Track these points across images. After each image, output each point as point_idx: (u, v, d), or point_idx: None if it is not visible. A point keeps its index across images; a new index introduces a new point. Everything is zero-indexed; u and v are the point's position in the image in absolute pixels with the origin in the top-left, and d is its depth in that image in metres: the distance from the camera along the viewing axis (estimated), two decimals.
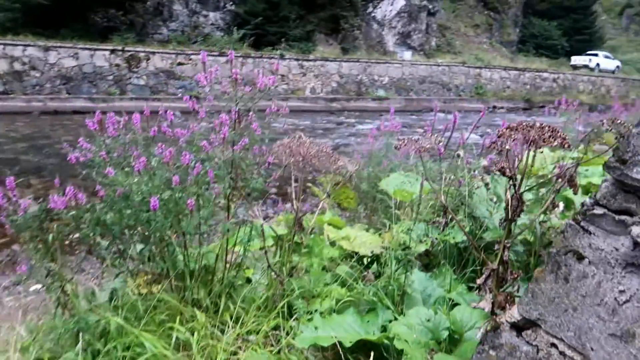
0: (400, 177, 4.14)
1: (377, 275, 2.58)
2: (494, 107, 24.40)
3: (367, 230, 3.71)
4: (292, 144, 2.46)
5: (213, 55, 19.08)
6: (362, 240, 3.06)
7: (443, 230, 2.42)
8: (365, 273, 2.48)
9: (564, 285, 1.03)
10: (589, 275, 0.98)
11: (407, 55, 27.20)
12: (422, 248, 2.43)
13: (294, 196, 2.70)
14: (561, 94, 26.30)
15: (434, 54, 29.69)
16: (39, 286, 3.27)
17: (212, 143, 2.20)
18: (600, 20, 43.33)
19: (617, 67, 35.90)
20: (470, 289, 2.27)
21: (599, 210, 1.00)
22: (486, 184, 2.70)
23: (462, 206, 2.72)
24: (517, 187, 1.81)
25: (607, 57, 35.89)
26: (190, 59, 18.67)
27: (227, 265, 2.28)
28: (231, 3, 24.82)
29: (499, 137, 1.86)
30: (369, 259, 2.87)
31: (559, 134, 1.78)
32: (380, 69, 22.82)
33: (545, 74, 27.87)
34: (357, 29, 27.33)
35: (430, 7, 29.93)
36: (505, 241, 1.85)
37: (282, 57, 20.31)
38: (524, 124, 1.84)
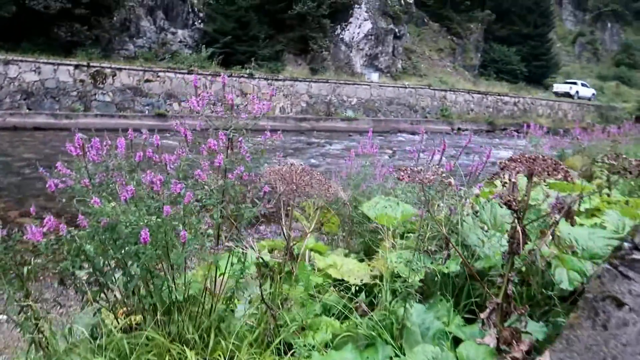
0: (381, 201, 4.12)
1: (368, 305, 2.52)
2: (459, 129, 25.01)
3: (347, 255, 3.65)
4: (284, 170, 2.39)
5: (181, 73, 18.90)
6: (349, 267, 3.00)
7: (446, 261, 2.38)
8: (358, 304, 2.41)
9: (602, 333, 0.99)
10: (629, 322, 0.95)
11: (375, 77, 27.67)
12: (417, 278, 2.39)
13: (283, 223, 2.63)
14: (522, 118, 27.20)
15: (400, 76, 30.32)
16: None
17: (203, 170, 2.11)
18: (556, 47, 45.36)
19: (593, 94, 37.78)
20: (466, 320, 2.23)
21: (638, 255, 0.97)
22: (475, 212, 2.70)
23: (453, 234, 2.70)
24: (521, 220, 1.80)
25: (584, 85, 37.81)
26: (158, 76, 18.39)
27: (216, 298, 2.17)
28: (200, 21, 24.72)
29: (502, 168, 1.85)
30: (357, 287, 2.81)
31: (561, 166, 1.78)
32: (349, 89, 23.09)
33: (506, 98, 28.86)
34: (326, 50, 27.65)
35: (397, 30, 30.66)
36: (509, 274, 1.83)
37: (251, 76, 20.27)
38: (527, 156, 1.84)
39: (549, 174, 1.73)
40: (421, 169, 1.95)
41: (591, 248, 2.53)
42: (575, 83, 37.21)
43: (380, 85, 24.30)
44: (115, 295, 2.13)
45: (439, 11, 38.15)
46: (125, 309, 2.04)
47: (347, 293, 2.71)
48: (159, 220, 1.86)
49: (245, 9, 24.32)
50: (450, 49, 38.15)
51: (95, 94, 17.71)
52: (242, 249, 2.20)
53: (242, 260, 2.05)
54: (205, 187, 2.20)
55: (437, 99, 25.85)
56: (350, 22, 28.59)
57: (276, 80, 20.96)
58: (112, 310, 2.14)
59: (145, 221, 1.76)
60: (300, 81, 21.83)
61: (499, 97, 28.48)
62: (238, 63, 23.24)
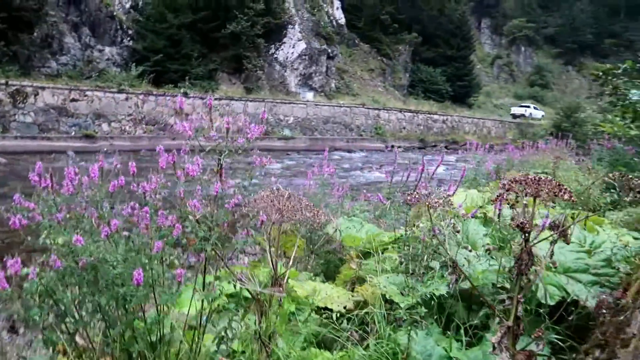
0: (345, 222, 4.05)
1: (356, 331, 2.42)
2: (392, 146, 25.67)
3: (313, 278, 3.54)
4: (271, 197, 2.26)
5: (111, 92, 18.05)
6: (329, 294, 2.89)
7: (455, 285, 2.33)
8: (350, 332, 2.30)
9: None
10: None
11: (309, 96, 27.94)
12: (409, 303, 2.32)
13: (269, 253, 2.49)
14: (450, 134, 28.47)
15: (334, 95, 30.86)
16: None
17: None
18: (477, 69, 48.23)
19: (542, 115, 40.64)
20: (458, 342, 2.19)
21: None
22: (457, 231, 2.69)
23: (436, 254, 2.67)
24: (528, 242, 1.79)
25: (535, 108, 40.86)
26: (86, 95, 17.43)
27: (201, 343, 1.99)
28: (129, 38, 23.86)
29: (507, 190, 1.84)
30: (338, 314, 2.70)
31: (564, 187, 1.80)
32: (286, 108, 23.12)
33: (435, 116, 30.17)
34: (260, 70, 27.60)
35: (330, 51, 31.25)
36: (519, 296, 1.81)
37: (185, 95, 19.75)
38: (531, 177, 1.84)
39: (555, 195, 1.74)
40: (429, 194, 1.90)
41: (563, 262, 2.62)
42: (528, 106, 40.48)
43: (316, 104, 24.56)
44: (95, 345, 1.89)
45: (368, 33, 39.41)
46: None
47: (327, 320, 2.60)
48: (147, 258, 1.67)
49: (177, 26, 23.81)
50: (380, 69, 39.43)
51: (14, 115, 16.44)
52: (232, 280, 2.04)
53: (238, 298, 1.89)
54: (190, 217, 2.04)
55: (371, 117, 26.51)
56: (284, 42, 28.80)
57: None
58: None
59: (138, 260, 1.57)
60: (237, 100, 21.58)
61: (428, 115, 29.71)
62: (170, 82, 22.60)
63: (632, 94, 7.34)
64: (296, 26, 29.29)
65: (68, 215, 1.85)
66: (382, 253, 3.46)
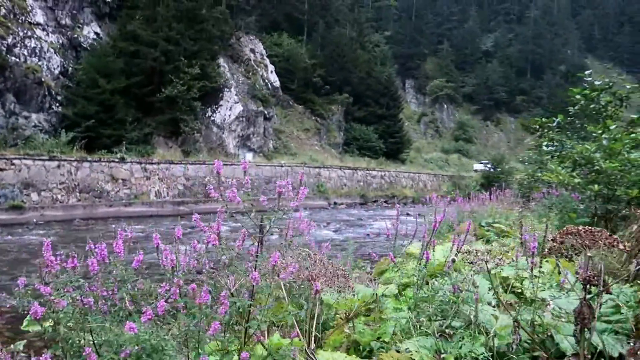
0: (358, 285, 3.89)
1: None
2: (335, 203, 25.92)
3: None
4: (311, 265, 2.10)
5: (41, 160, 17.01)
6: None
7: (515, 348, 2.20)
8: None
9: None
10: None
11: (249, 156, 27.90)
12: None
13: (308, 327, 2.28)
14: (389, 189, 29.08)
15: (273, 155, 31.03)
16: None
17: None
18: (406, 126, 50.70)
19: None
20: None
21: None
22: (476, 287, 2.63)
23: (459, 312, 2.56)
24: (586, 295, 1.75)
25: (491, 164, 43.28)
26: (13, 164, 16.25)
27: None
28: (58, 104, 22.93)
29: (560, 243, 1.81)
30: None
31: (615, 238, 1.80)
32: (227, 170, 22.79)
33: (374, 172, 30.99)
34: (198, 132, 27.36)
35: (266, 112, 31.70)
36: (584, 351, 1.74)
37: (123, 160, 19.03)
38: (583, 229, 1.83)
39: (613, 246, 1.73)
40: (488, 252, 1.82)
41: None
42: (488, 162, 42.83)
43: (258, 165, 24.50)
44: None
45: (302, 94, 40.63)
46: None
47: None
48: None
49: (110, 92, 23.24)
50: (315, 129, 40.41)
51: None
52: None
53: None
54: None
55: (312, 175, 26.75)
56: (221, 105, 28.90)
57: (150, 163, 19.93)
58: None
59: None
60: (176, 164, 21.06)
61: (367, 171, 30.47)
62: (103, 147, 21.74)
63: (569, 145, 7.92)
64: (232, 89, 29.61)
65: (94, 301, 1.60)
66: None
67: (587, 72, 9.33)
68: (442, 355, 2.28)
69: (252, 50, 33.91)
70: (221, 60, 30.06)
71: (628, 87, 8.33)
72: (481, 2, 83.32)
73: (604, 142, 7.66)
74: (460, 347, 2.33)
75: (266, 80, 33.36)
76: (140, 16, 26.48)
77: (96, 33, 26.09)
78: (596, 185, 7.36)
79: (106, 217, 16.90)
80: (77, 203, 16.59)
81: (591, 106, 8.25)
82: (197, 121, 27.40)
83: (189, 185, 20.94)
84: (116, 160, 18.95)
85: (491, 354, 2.29)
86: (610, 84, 8.49)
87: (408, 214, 25.12)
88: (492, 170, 33.18)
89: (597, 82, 8.41)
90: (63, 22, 24.55)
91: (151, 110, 25.97)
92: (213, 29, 28.94)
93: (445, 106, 63.53)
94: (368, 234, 15.79)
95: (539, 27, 75.99)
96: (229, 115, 28.63)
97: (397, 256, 5.36)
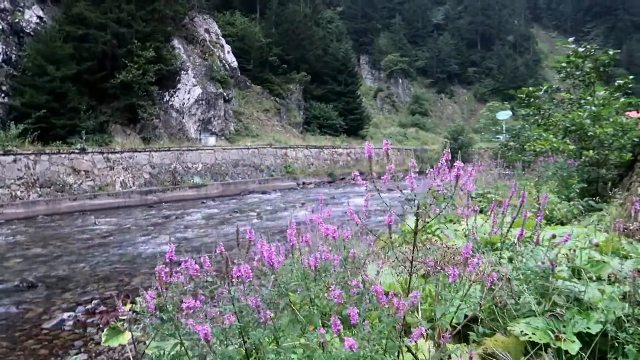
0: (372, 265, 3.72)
1: None
2: (304, 183, 25.73)
3: None
4: None
5: None
6: None
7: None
8: None
9: None
10: None
11: (211, 140, 27.17)
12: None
13: None
14: (356, 166, 29.20)
15: (235, 138, 30.34)
16: None
17: None
18: (364, 102, 50.75)
19: None
20: None
21: None
22: (572, 261, 2.50)
23: (555, 291, 2.42)
24: None
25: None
26: None
27: None
28: (4, 95, 21.41)
29: None
30: None
31: None
32: (193, 155, 22.12)
33: (340, 150, 30.91)
34: (157, 118, 26.33)
35: (225, 94, 30.83)
36: None
37: (83, 151, 18.02)
38: None
39: None
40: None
41: None
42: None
43: (224, 149, 23.87)
44: None
45: (259, 74, 39.78)
46: None
47: None
48: None
49: (61, 79, 21.88)
50: (275, 109, 39.78)
51: None
52: None
53: None
54: None
55: (279, 156, 26.37)
56: (179, 89, 27.88)
57: (113, 152, 18.98)
58: None
59: None
60: (140, 152, 20.16)
61: (333, 149, 30.35)
62: (57, 138, 20.52)
63: (563, 116, 8.01)
64: (189, 71, 28.57)
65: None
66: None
67: (570, 39, 9.47)
68: (562, 335, 2.15)
69: (207, 31, 32.76)
70: (176, 42, 28.89)
71: (611, 53, 8.51)
72: None
73: (594, 107, 7.78)
74: (574, 326, 2.22)
75: (223, 61, 32.37)
76: None
77: (39, 17, 24.37)
78: (591, 151, 7.50)
79: (71, 211, 16.03)
80: (38, 199, 15.61)
81: (577, 73, 8.39)
82: (155, 106, 26.34)
83: (155, 174, 20.15)
84: (76, 151, 17.92)
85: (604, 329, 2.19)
86: (592, 50, 8.64)
87: (378, 189, 25.24)
88: (453, 141, 33.79)
89: (580, 49, 8.54)
90: (1, 5, 22.76)
91: (106, 97, 24.73)
92: (165, 9, 27.67)
93: (400, 81, 64.02)
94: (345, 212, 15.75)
95: None
96: (188, 99, 27.68)
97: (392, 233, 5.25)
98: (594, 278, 2.69)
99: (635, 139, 7.54)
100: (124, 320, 1.89)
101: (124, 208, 17.30)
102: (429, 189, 1.92)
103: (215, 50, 32.27)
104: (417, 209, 1.95)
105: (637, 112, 11.02)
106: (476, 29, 74.03)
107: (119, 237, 12.06)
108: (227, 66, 32.57)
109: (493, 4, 76.80)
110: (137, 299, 4.30)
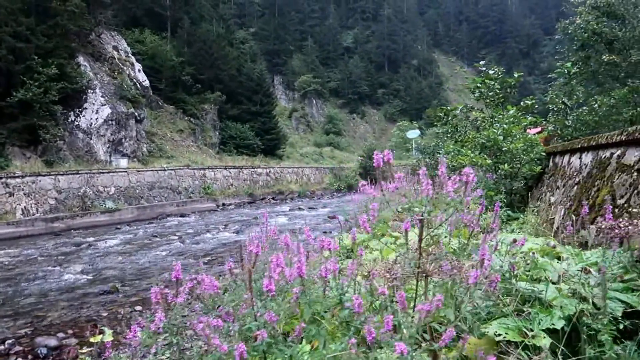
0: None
1: None
2: (224, 204, 25.20)
3: None
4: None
5: None
6: None
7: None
8: None
9: None
10: None
11: (123, 162, 25.83)
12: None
13: None
14: (275, 186, 29.19)
15: (147, 159, 29.09)
16: None
17: None
18: (280, 122, 51.09)
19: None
20: None
21: None
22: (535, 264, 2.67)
23: (516, 292, 2.59)
24: None
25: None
26: None
27: None
28: None
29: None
30: None
31: None
32: (105, 179, 20.81)
33: (259, 169, 30.68)
34: (61, 140, 24.56)
35: (137, 114, 29.57)
36: None
37: None
38: None
39: None
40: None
41: None
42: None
43: (139, 171, 22.72)
44: None
45: (171, 94, 38.69)
46: None
47: None
48: None
49: None
50: (190, 129, 38.76)
51: None
52: None
53: None
54: None
55: (197, 177, 25.61)
56: (86, 108, 26.28)
57: (12, 177, 17.32)
58: None
59: None
60: (44, 175, 18.59)
61: (253, 169, 30.06)
62: None
63: (478, 133, 8.64)
64: (97, 90, 27.07)
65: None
66: None
67: (481, 62, 10.29)
68: (532, 333, 2.29)
69: (115, 48, 31.34)
70: (81, 59, 27.30)
71: (516, 75, 9.37)
72: (338, 0, 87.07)
73: (505, 125, 8.47)
74: (539, 323, 2.38)
75: (134, 80, 31.08)
76: None
77: None
78: (505, 165, 8.14)
79: None
80: None
81: (490, 93, 9.12)
82: (59, 127, 24.58)
83: (62, 199, 18.65)
84: None
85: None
86: (500, 74, 9.47)
87: (300, 209, 25.52)
88: (368, 160, 34.91)
89: (490, 72, 9.32)
90: None
91: (1, 117, 22.67)
92: (69, 24, 26.09)
93: (314, 101, 65.33)
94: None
95: (392, 25, 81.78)
96: (96, 119, 26.14)
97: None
98: (543, 278, 2.91)
99: (543, 153, 8.33)
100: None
101: (26, 237, 15.81)
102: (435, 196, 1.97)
103: (125, 68, 30.93)
104: (422, 217, 2.00)
105: (535, 129, 12.18)
106: (383, 53, 77.82)
107: (26, 268, 11.00)
108: (138, 85, 31.30)
109: (398, 30, 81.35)
110: (104, 328, 3.95)
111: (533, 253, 2.87)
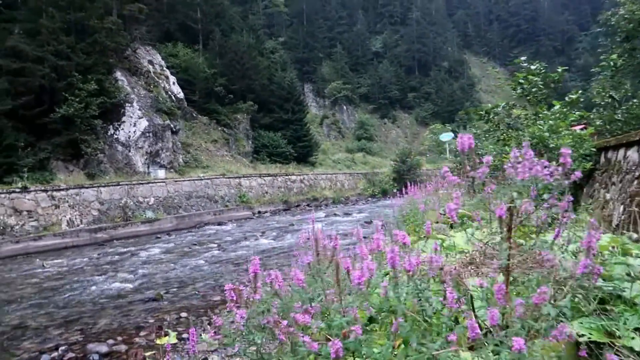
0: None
1: None
2: (259, 212, 25.35)
3: None
4: None
5: None
6: None
7: None
8: None
9: None
10: None
11: (161, 173, 26.35)
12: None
13: None
14: (310, 192, 29.21)
15: (184, 170, 29.61)
16: None
17: None
18: (312, 129, 51.22)
19: None
20: None
21: None
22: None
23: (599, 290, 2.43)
24: None
25: None
26: None
27: None
28: None
29: None
30: None
31: None
32: (144, 189, 21.28)
33: (293, 177, 30.80)
34: (101, 153, 25.29)
35: (173, 126, 30.20)
36: None
37: (25, 189, 16.90)
38: None
39: None
40: None
41: None
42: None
43: (176, 181, 23.15)
44: None
45: (205, 105, 39.35)
46: None
47: None
48: None
49: None
50: (223, 139, 39.32)
51: None
52: None
53: None
54: None
55: (233, 186, 25.89)
56: (124, 121, 27.00)
57: (58, 190, 17.91)
58: None
59: None
60: (87, 188, 19.15)
61: (287, 176, 30.20)
62: None
63: (522, 130, 8.38)
64: (134, 104, 27.80)
65: None
66: None
67: (522, 58, 10.02)
68: (618, 334, 2.13)
69: (151, 62, 32.16)
70: (119, 74, 28.12)
71: (560, 70, 9.06)
72: (367, 6, 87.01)
73: (551, 121, 8.17)
74: (625, 323, 2.21)
75: (169, 92, 31.79)
76: (20, 30, 23.94)
77: None
78: (554, 162, 7.83)
79: (14, 254, 14.87)
80: None
81: (533, 90, 8.84)
82: (100, 140, 25.34)
83: (104, 210, 19.16)
84: (17, 190, 16.76)
85: None
86: (542, 69, 9.17)
87: (336, 214, 25.34)
88: (401, 164, 34.58)
89: (532, 67, 9.04)
90: None
91: (45, 132, 23.51)
92: (106, 41, 26.93)
93: (345, 107, 65.31)
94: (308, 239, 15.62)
95: (421, 28, 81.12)
96: (134, 132, 26.82)
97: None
98: (618, 275, 2.72)
99: (593, 149, 7.99)
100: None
101: (72, 248, 16.28)
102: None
103: (160, 81, 31.68)
104: (511, 202, 1.88)
105: (578, 126, 11.74)
106: (413, 56, 77.19)
107: (73, 278, 11.29)
108: (173, 97, 32.00)
109: (427, 32, 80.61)
110: (168, 331, 3.96)
111: (613, 247, 2.70)
